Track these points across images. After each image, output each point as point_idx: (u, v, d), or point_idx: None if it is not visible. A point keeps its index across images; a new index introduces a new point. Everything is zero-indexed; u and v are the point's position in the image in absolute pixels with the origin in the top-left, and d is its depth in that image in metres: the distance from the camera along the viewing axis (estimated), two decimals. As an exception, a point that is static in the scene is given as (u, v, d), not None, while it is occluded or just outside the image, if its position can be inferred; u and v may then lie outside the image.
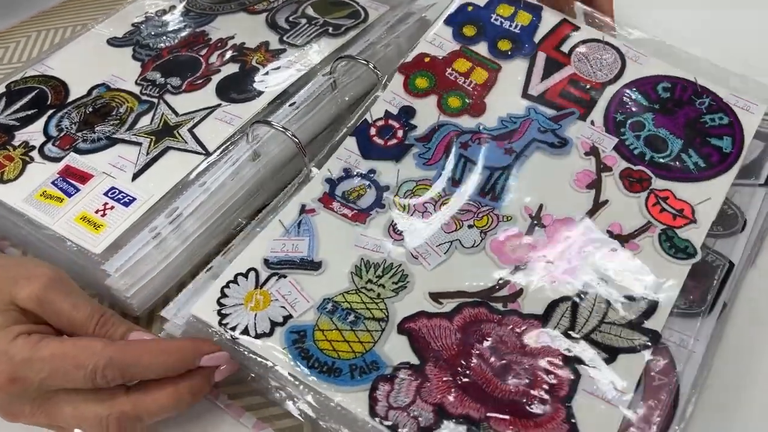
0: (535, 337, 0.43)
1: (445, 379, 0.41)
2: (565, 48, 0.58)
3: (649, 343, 0.42)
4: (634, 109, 0.55)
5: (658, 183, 0.51)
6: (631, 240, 0.47)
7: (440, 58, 0.59)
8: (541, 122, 0.54)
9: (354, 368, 0.42)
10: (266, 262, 0.47)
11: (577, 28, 0.59)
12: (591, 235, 0.48)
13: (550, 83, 0.57)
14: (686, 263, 0.46)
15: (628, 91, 0.56)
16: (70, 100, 0.62)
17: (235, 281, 0.46)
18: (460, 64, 0.58)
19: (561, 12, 0.60)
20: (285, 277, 0.46)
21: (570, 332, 0.43)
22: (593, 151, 0.52)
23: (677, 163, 0.52)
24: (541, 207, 0.49)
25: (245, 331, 0.44)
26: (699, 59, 0.57)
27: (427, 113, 0.56)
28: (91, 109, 0.60)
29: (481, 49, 0.59)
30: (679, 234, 0.48)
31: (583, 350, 0.42)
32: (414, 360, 0.42)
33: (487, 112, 0.55)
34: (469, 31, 0.60)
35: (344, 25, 0.66)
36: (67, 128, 0.59)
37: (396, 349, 0.43)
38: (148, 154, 0.56)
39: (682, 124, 0.54)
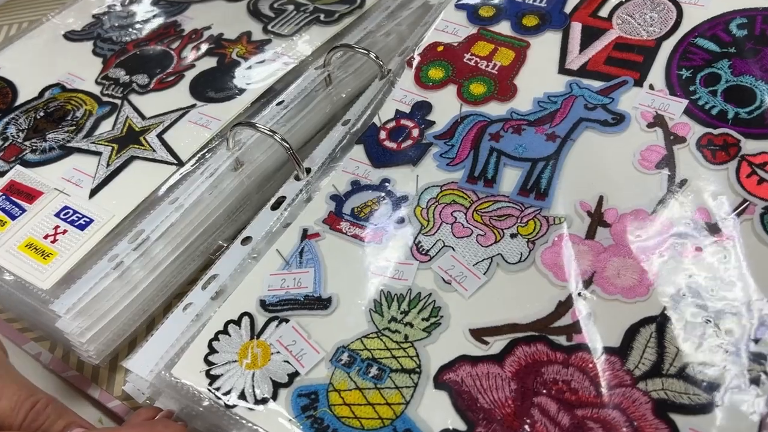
0: (614, 380, 0.33)
1: None
2: (604, 13, 0.50)
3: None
4: (703, 59, 0.45)
5: (749, 146, 0.40)
6: (724, 229, 0.37)
7: (456, 44, 0.51)
8: (587, 98, 0.45)
9: None
10: (263, 303, 0.39)
11: None
12: (671, 229, 0.38)
13: (591, 53, 0.48)
14: None
15: (691, 39, 0.47)
16: (18, 103, 0.54)
17: (225, 331, 0.38)
18: (480, 48, 0.50)
19: None
20: (287, 321, 0.38)
21: (659, 368, 0.33)
22: (658, 121, 0.43)
23: None
24: (601, 200, 0.40)
25: (242, 396, 0.35)
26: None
27: (446, 106, 0.47)
28: (42, 114, 0.52)
29: (503, 28, 0.51)
30: None
31: (679, 393, 0.32)
32: (460, 425, 0.33)
33: (518, 95, 0.47)
34: (486, 11, 0.52)
35: (338, 11, 0.58)
36: (12, 137, 0.50)
37: (435, 410, 0.34)
38: (108, 165, 0.47)
39: None
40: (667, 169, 0.41)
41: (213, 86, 0.52)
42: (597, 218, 0.39)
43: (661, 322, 0.35)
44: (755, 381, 0.32)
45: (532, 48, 0.49)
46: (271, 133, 0.45)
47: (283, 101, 0.51)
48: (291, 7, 0.59)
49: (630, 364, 0.34)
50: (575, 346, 0.35)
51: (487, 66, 0.49)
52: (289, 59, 0.54)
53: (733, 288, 0.35)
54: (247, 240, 0.43)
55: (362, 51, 0.51)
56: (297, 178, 0.46)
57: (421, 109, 0.47)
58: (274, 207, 0.45)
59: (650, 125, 0.43)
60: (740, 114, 0.42)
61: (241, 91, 0.52)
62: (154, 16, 0.61)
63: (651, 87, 0.45)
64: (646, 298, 0.36)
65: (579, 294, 0.37)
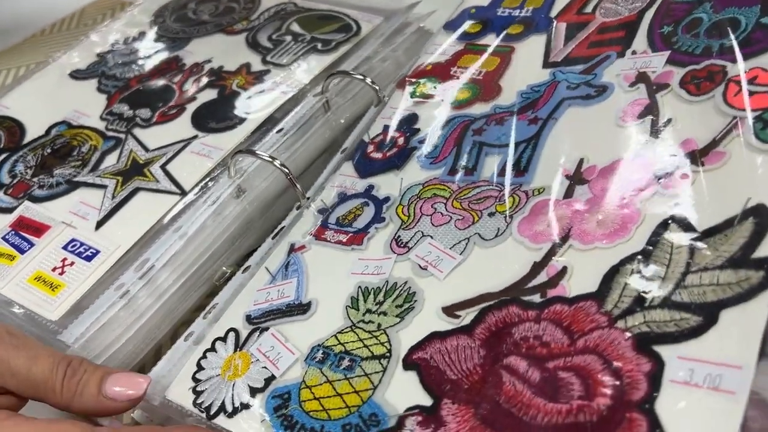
0: (589, 325, 0.31)
1: (467, 417, 0.31)
2: (588, 9, 0.50)
3: (766, 280, 0.29)
4: (683, 11, 0.44)
5: (735, 69, 0.38)
6: (712, 150, 0.35)
7: (443, 61, 0.51)
8: (569, 80, 0.45)
9: (348, 428, 0.32)
10: (248, 318, 0.39)
11: None
12: (655, 165, 0.36)
13: (575, 43, 0.47)
14: None
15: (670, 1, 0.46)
16: (26, 141, 0.55)
17: (212, 349, 0.38)
18: (466, 60, 0.51)
19: None
20: (267, 329, 0.38)
21: (641, 302, 0.31)
22: (640, 78, 0.42)
23: (758, 32, 0.40)
24: (581, 162, 0.38)
25: (222, 407, 0.35)
26: None
27: (432, 114, 0.48)
28: (49, 151, 0.53)
29: (489, 40, 0.52)
30: None
31: (664, 322, 0.29)
32: (425, 401, 0.32)
33: (503, 93, 0.47)
34: (473, 28, 0.53)
35: (334, 40, 0.59)
36: (21, 174, 0.51)
37: (402, 392, 0.33)
38: (114, 197, 0.48)
39: None
40: (650, 117, 0.39)
41: (214, 117, 0.53)
42: (576, 178, 0.38)
43: (643, 255, 0.32)
44: (751, 293, 0.29)
45: (516, 51, 0.49)
46: (272, 160, 0.46)
47: (282, 129, 0.51)
48: (289, 38, 0.61)
49: (608, 305, 0.31)
50: (548, 300, 0.33)
51: (473, 74, 0.49)
52: (288, 88, 0.55)
53: (725, 204, 0.33)
54: (248, 269, 0.43)
55: (359, 77, 0.52)
56: (298, 207, 0.47)
57: (408, 121, 0.48)
58: (275, 236, 0.45)
59: (632, 84, 0.42)
60: (725, 44, 0.41)
61: (242, 120, 0.53)
62: (156, 52, 0.62)
63: (633, 52, 0.44)
64: (629, 238, 0.34)
65: (555, 252, 0.35)
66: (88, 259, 0.44)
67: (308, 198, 0.46)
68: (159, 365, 0.39)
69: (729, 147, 0.35)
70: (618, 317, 0.31)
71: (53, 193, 0.49)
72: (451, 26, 0.54)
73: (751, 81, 0.37)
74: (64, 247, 0.45)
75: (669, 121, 0.38)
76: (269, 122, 0.53)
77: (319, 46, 0.59)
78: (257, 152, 0.47)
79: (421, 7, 0.61)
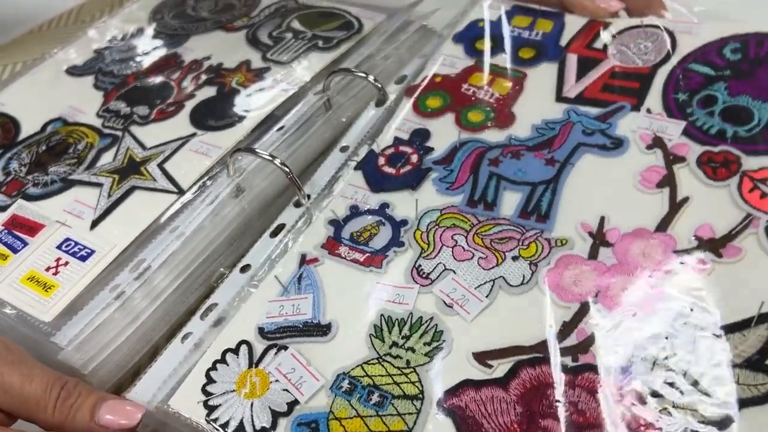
0: (622, 401, 0.32)
1: None
2: (599, 45, 0.50)
3: None
4: (698, 83, 0.45)
5: (750, 162, 0.40)
6: (729, 243, 0.37)
7: (453, 75, 0.51)
8: (585, 123, 0.45)
9: None
10: (261, 331, 0.38)
11: (608, 24, 0.51)
12: (674, 246, 0.38)
13: (587, 81, 0.48)
14: None
15: (686, 65, 0.47)
16: (20, 138, 0.54)
17: (222, 360, 0.37)
18: (476, 79, 0.50)
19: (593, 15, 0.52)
20: (285, 348, 0.37)
21: (669, 386, 0.33)
22: (657, 143, 0.43)
23: None
24: (602, 221, 0.40)
25: (240, 427, 0.34)
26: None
27: (444, 132, 0.47)
28: (44, 148, 0.52)
29: (500, 60, 0.51)
30: None
31: (693, 411, 0.31)
32: None
33: (516, 121, 0.47)
34: (482, 44, 0.53)
35: (336, 37, 0.58)
36: (15, 171, 0.51)
37: None
38: (110, 196, 0.47)
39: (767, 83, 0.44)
40: (668, 188, 0.40)
41: (213, 115, 0.53)
42: (599, 238, 0.39)
43: (668, 340, 0.34)
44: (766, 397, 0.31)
45: (528, 78, 0.49)
46: (271, 158, 0.45)
47: (283, 127, 0.50)
48: (289, 35, 0.60)
49: (638, 384, 0.33)
50: (581, 366, 0.34)
51: (485, 95, 0.49)
52: (289, 86, 0.54)
53: (743, 301, 0.34)
54: (246, 268, 0.43)
55: (361, 74, 0.51)
56: (297, 204, 0.46)
57: (420, 135, 0.47)
58: (273, 234, 0.44)
59: (649, 147, 0.43)
60: (739, 132, 0.42)
61: (241, 118, 0.52)
62: (155, 49, 0.61)
63: (648, 111, 0.45)
64: (653, 317, 0.35)
65: (583, 314, 0.36)
66: (83, 259, 0.43)
67: (309, 197, 0.45)
68: (155, 366, 0.38)
69: (745, 244, 0.37)
70: (647, 397, 0.32)
71: (48, 192, 0.48)
72: (459, 38, 0.54)
73: (763, 181, 0.39)
74: (59, 247, 0.44)
75: (686, 199, 0.39)
76: (269, 120, 0.52)
77: (321, 43, 0.58)
78: (257, 150, 0.46)
79: (424, 6, 0.61)
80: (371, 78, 0.51)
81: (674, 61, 0.47)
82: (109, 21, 0.67)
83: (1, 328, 0.41)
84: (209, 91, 0.55)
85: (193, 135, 0.51)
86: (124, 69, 0.59)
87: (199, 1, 0.68)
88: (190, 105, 0.54)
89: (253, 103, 0.53)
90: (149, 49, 0.61)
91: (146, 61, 0.60)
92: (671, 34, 0.49)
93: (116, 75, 0.59)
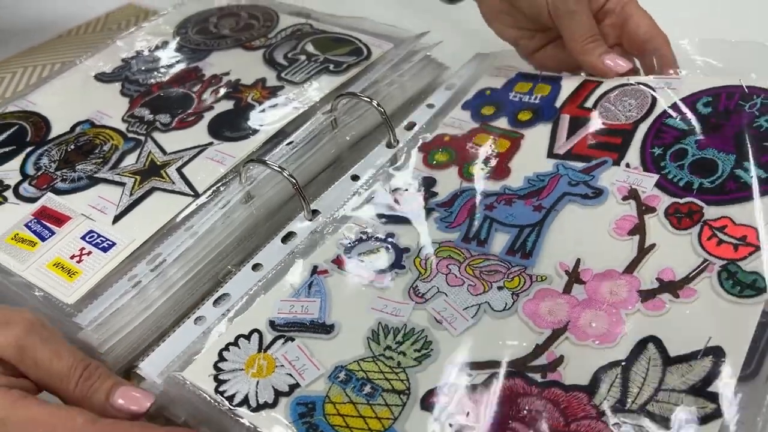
0: (581, 412, 0.37)
1: None
2: (589, 104, 0.55)
3: (717, 412, 0.35)
4: (673, 137, 0.50)
5: (711, 212, 0.44)
6: (686, 286, 0.41)
7: (460, 135, 0.56)
8: (571, 176, 0.50)
9: None
10: (272, 323, 0.43)
11: (599, 84, 0.56)
12: (638, 286, 0.42)
13: (576, 139, 0.53)
14: (756, 301, 0.39)
15: (663, 120, 0.51)
16: (51, 137, 0.59)
17: (235, 343, 0.42)
18: (480, 139, 0.55)
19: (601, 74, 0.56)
20: (293, 340, 0.42)
21: (622, 404, 0.37)
22: (632, 194, 0.47)
23: (731, 182, 0.45)
24: (578, 262, 0.45)
25: (245, 401, 0.39)
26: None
27: (448, 182, 0.52)
28: (72, 147, 0.57)
29: (501, 123, 0.56)
30: (744, 267, 0.40)
31: (640, 426, 0.36)
32: None
33: (511, 174, 0.52)
34: (487, 110, 0.58)
35: (346, 62, 0.63)
36: (45, 167, 0.55)
37: (419, 427, 0.37)
38: (131, 195, 0.51)
39: (731, 136, 0.47)
40: (638, 236, 0.45)
41: (229, 127, 0.57)
42: (574, 277, 0.44)
43: (625, 365, 0.38)
44: (705, 419, 0.35)
45: (525, 138, 0.54)
46: (280, 170, 0.50)
47: (292, 142, 0.55)
48: (303, 57, 0.65)
49: (596, 400, 0.37)
50: (548, 382, 0.38)
51: (486, 152, 0.54)
52: (299, 104, 0.59)
53: (692, 336, 0.39)
54: (257, 267, 0.47)
55: (366, 99, 0.56)
56: (305, 216, 0.50)
57: (427, 183, 0.53)
58: (284, 240, 0.49)
59: (624, 198, 0.47)
60: (704, 184, 0.46)
61: (255, 131, 0.56)
62: (178, 62, 0.66)
63: (627, 165, 0.49)
64: (614, 345, 0.39)
65: (554, 339, 0.40)
66: (105, 250, 0.48)
67: (315, 212, 0.50)
68: (168, 342, 0.43)
69: (699, 287, 0.41)
70: (603, 413, 0.37)
71: (75, 187, 0.53)
72: (468, 105, 0.59)
73: (721, 229, 0.43)
74: (83, 237, 0.48)
75: (653, 245, 0.44)
76: (280, 135, 0.56)
77: (331, 67, 0.63)
78: (267, 162, 0.50)
79: (429, 38, 0.65)
80: (375, 103, 0.55)
81: (653, 117, 0.51)
82: (136, 32, 0.72)
83: (30, 308, 0.46)
84: (227, 105, 0.59)
85: (210, 144, 0.55)
86: (149, 78, 0.64)
87: (221, 19, 0.73)
88: (208, 116, 0.58)
89: (266, 118, 0.58)
90: (173, 62, 0.66)
91: (169, 73, 0.65)
92: (653, 90, 0.53)
93: (141, 84, 0.63)
